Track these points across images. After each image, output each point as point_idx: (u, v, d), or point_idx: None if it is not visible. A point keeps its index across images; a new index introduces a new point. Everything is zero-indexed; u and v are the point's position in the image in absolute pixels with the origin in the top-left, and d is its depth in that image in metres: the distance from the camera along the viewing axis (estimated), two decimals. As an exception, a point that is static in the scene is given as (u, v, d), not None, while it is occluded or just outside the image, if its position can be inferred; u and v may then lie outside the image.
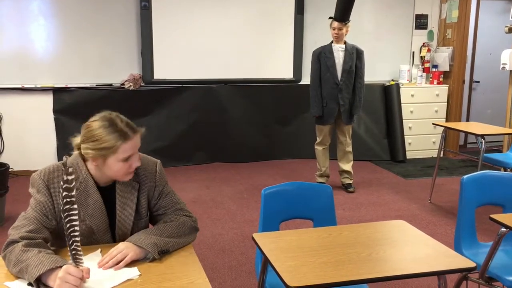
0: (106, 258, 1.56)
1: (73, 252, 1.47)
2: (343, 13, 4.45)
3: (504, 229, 2.01)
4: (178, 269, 1.55)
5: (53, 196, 1.67)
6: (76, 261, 1.48)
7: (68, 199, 1.45)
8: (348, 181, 4.86)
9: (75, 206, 1.46)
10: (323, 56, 4.60)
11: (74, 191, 1.47)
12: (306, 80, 6.05)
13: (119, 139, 1.63)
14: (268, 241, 1.73)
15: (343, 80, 4.59)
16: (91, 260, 1.60)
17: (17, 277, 1.50)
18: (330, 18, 4.62)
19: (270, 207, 2.15)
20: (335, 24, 4.53)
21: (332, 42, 4.63)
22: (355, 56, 4.62)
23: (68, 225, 1.45)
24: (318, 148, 4.85)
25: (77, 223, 1.47)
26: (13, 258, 1.51)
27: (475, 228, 2.42)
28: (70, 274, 1.40)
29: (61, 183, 1.46)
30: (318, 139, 4.84)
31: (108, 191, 1.74)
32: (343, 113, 4.65)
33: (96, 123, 1.65)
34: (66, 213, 1.45)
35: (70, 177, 1.46)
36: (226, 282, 2.97)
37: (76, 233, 1.47)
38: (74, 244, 1.47)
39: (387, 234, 1.82)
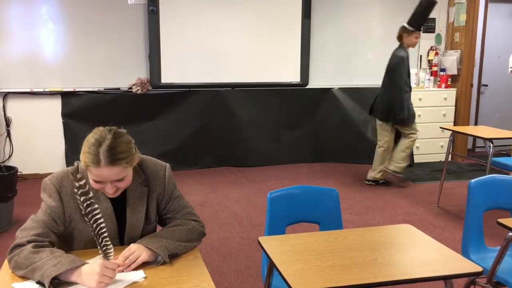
0: (119, 260, 1.57)
1: (104, 248, 1.54)
2: (422, 23, 4.90)
3: (512, 234, 2.00)
4: (183, 272, 1.56)
5: (64, 201, 1.69)
6: (107, 255, 1.54)
7: (88, 202, 1.50)
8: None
9: (96, 206, 1.52)
10: (407, 61, 4.84)
11: (91, 193, 1.52)
12: (313, 83, 6.06)
13: (90, 160, 1.58)
14: (273, 245, 1.73)
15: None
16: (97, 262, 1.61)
17: (23, 279, 1.51)
18: (411, 27, 4.82)
19: (276, 211, 2.15)
20: (419, 33, 4.89)
21: (405, 48, 4.86)
22: None
23: (94, 225, 1.51)
24: (386, 149, 5.02)
25: (102, 220, 1.52)
26: (22, 260, 1.52)
27: (483, 233, 2.41)
28: (108, 267, 1.46)
29: (75, 190, 1.50)
30: (385, 140, 4.99)
31: (117, 197, 1.74)
32: None
33: (91, 135, 1.63)
34: (90, 215, 1.50)
35: (82, 182, 1.51)
36: (233, 286, 2.96)
37: (103, 230, 1.53)
38: (104, 240, 1.53)
39: (394, 238, 1.81)
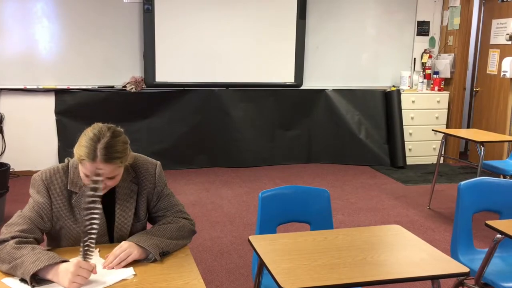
0: (110, 257, 1.58)
1: (86, 248, 1.51)
2: None
3: (500, 235, 2.02)
4: (173, 270, 1.57)
5: (52, 198, 1.69)
6: (86, 256, 1.51)
7: (95, 198, 1.48)
8: None
9: (99, 206, 1.49)
10: None
11: (101, 191, 1.50)
12: (307, 84, 6.08)
13: (86, 154, 1.59)
14: (264, 244, 1.75)
15: None
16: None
17: (7, 275, 1.50)
18: None
19: (268, 210, 2.17)
20: None
21: None
22: None
23: (88, 222, 1.49)
24: None
25: (97, 221, 1.50)
26: (4, 256, 1.52)
27: (472, 234, 2.43)
28: (82, 267, 1.43)
29: (91, 181, 1.49)
30: None
31: (107, 193, 1.74)
32: None
33: (90, 129, 1.65)
34: (90, 211, 1.48)
35: (99, 178, 1.49)
36: (224, 285, 2.97)
37: (94, 231, 1.50)
38: (89, 241, 1.50)
39: (383, 238, 1.83)
